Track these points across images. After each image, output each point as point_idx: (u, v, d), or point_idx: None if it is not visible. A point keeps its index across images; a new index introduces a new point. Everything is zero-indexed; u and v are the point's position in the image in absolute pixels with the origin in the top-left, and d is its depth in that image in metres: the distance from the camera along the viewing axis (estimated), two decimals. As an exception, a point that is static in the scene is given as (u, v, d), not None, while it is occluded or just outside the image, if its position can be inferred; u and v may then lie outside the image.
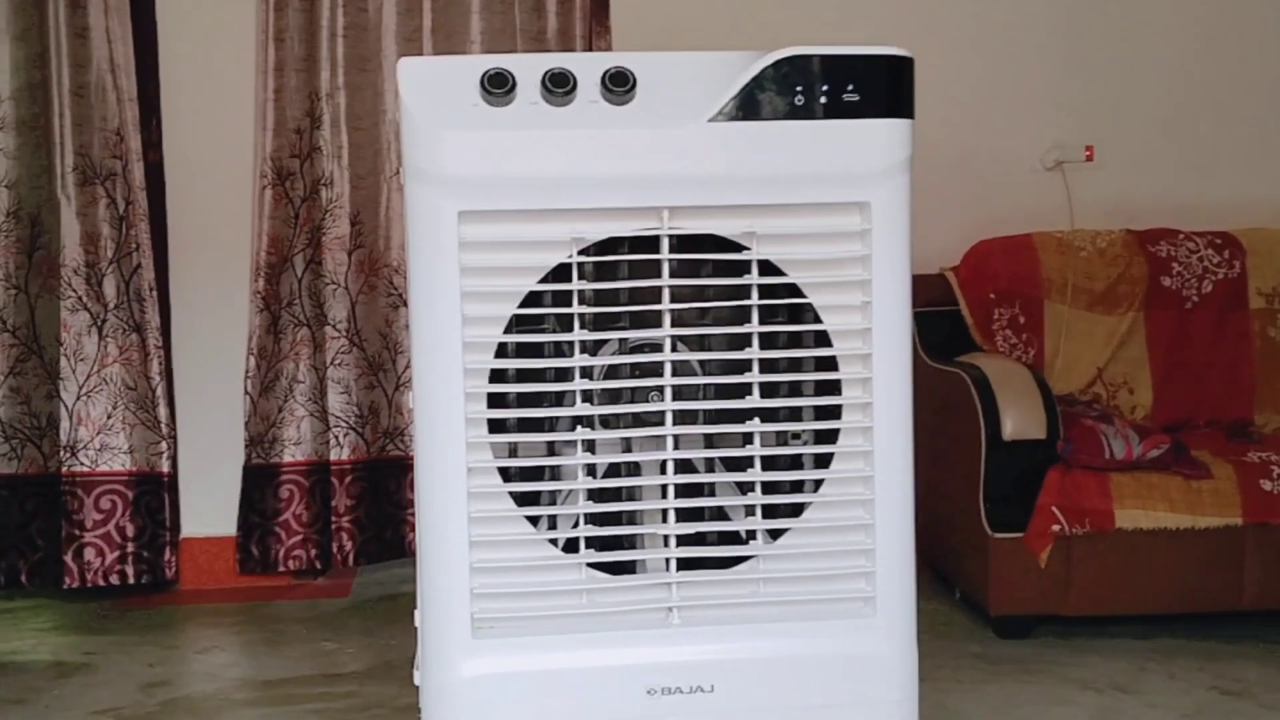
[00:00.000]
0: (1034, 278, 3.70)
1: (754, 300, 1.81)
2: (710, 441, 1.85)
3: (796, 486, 1.85)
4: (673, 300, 1.79)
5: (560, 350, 1.81)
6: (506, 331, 1.78)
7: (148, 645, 3.51)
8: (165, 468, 3.83)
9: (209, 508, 3.91)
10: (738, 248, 1.81)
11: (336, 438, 3.82)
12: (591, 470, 1.82)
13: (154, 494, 3.86)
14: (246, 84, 3.77)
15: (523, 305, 1.78)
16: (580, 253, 1.78)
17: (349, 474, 3.85)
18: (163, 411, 3.82)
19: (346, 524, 3.86)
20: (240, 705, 3.03)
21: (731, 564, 1.83)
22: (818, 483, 1.84)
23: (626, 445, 1.83)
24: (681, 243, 1.80)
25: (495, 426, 1.79)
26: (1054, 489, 3.23)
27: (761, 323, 1.82)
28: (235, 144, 3.80)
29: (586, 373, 1.80)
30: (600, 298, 1.81)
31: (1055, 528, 3.19)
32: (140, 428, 3.81)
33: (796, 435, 1.84)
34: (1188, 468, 3.28)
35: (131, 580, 3.84)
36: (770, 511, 1.84)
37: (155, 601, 3.94)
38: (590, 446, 1.81)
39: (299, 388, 3.82)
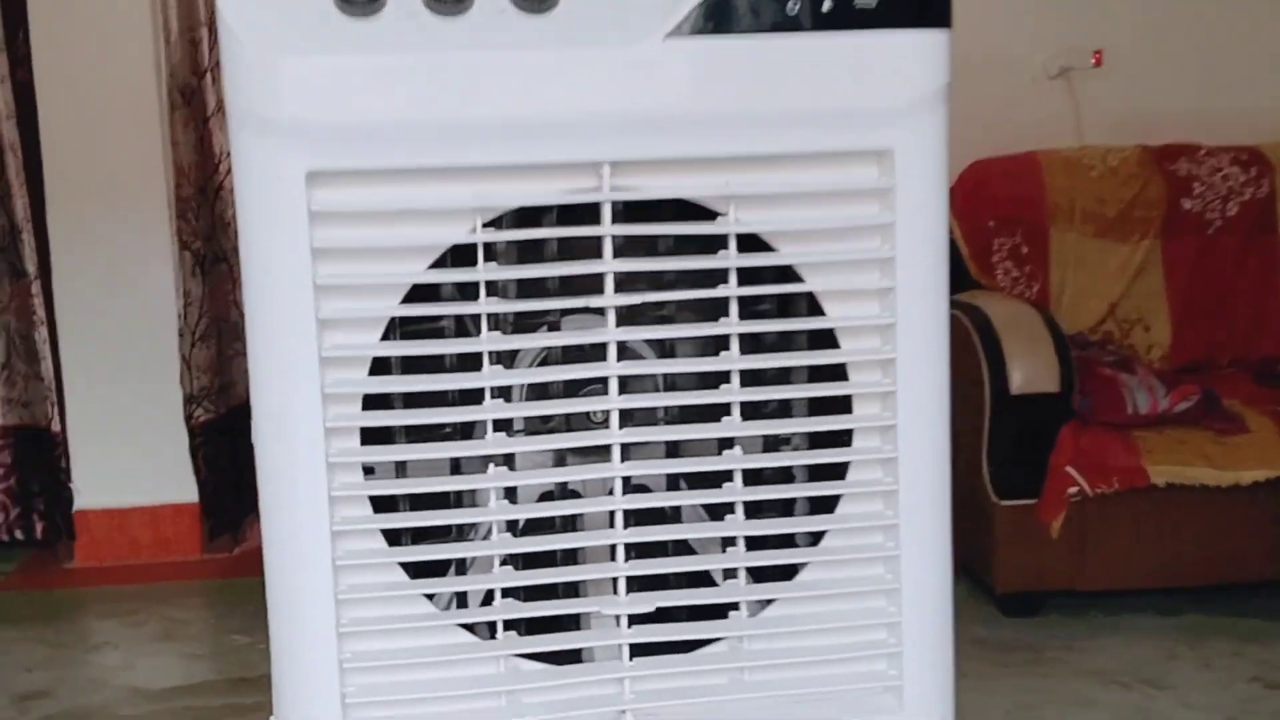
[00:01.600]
0: (1038, 202, 3.22)
1: (731, 288, 1.26)
2: (674, 483, 1.32)
3: (788, 540, 1.33)
4: (620, 289, 1.24)
5: (465, 363, 1.26)
6: (385, 339, 1.23)
7: (28, 641, 2.98)
8: (54, 425, 3.28)
9: (106, 475, 3.36)
10: (709, 215, 1.25)
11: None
12: (512, 526, 1.28)
13: (39, 454, 3.31)
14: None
15: (407, 301, 1.23)
16: (487, 227, 1.23)
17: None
18: (46, 365, 3.25)
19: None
20: (124, 726, 2.51)
21: (704, 643, 1.31)
22: (816, 535, 1.31)
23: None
24: (630, 211, 1.24)
25: (372, 471, 1.25)
26: (1069, 448, 2.77)
27: (743, 317, 1.27)
28: (122, 59, 3.19)
29: (501, 394, 1.25)
30: (518, 289, 1.26)
31: (1072, 490, 2.74)
32: (33, 380, 3.26)
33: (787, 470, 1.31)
34: (1220, 422, 2.83)
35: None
36: (759, 574, 1.31)
37: (45, 582, 3.40)
38: (511, 494, 1.28)
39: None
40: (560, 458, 1.30)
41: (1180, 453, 2.76)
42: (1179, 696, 2.53)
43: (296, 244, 1.18)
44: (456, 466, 1.30)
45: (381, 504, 1.25)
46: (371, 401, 1.24)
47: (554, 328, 1.29)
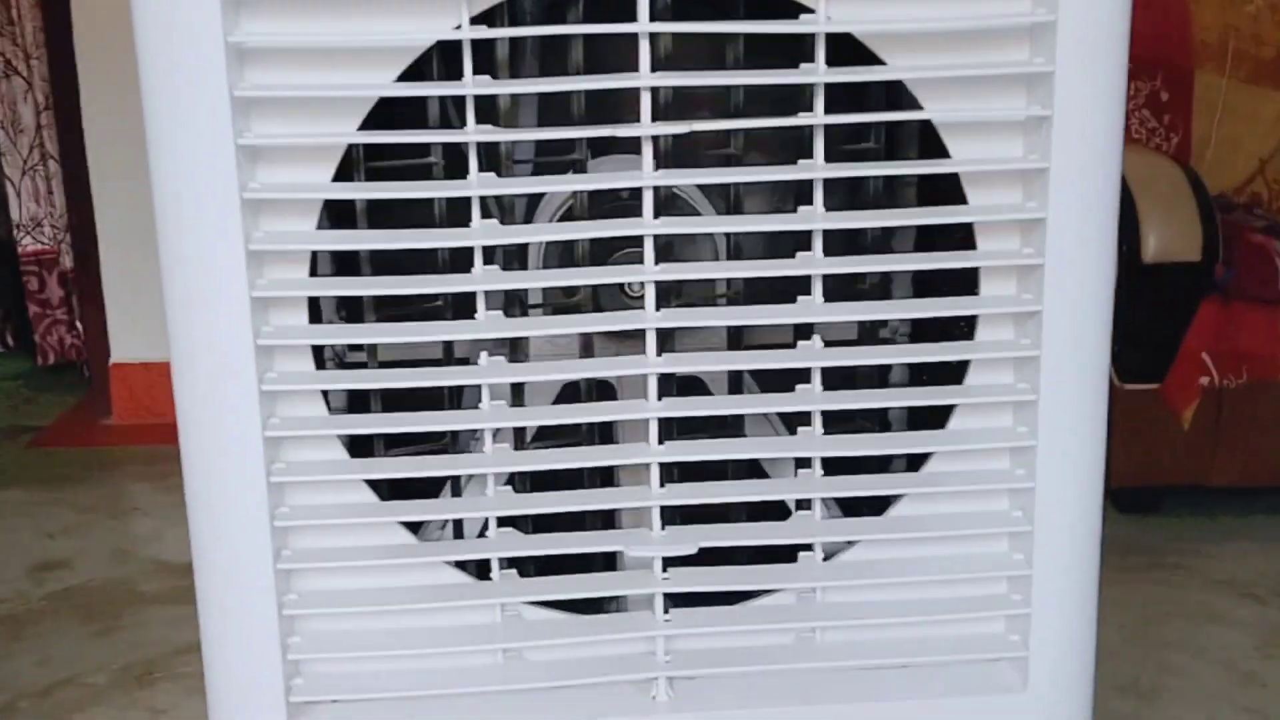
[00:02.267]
0: (1182, 40, 2.75)
1: (817, 116, 0.89)
2: (736, 386, 0.97)
3: (881, 464, 0.98)
4: (665, 115, 0.88)
5: (454, 217, 0.91)
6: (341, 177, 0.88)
7: (55, 505, 2.75)
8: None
9: (144, 327, 3.09)
10: (793, 9, 0.88)
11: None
12: (519, 438, 0.95)
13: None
14: None
15: (366, 127, 0.88)
16: (478, 22, 0.86)
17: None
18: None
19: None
20: (148, 602, 2.27)
21: (763, 592, 0.97)
22: (916, 459, 0.96)
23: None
24: (679, 3, 0.87)
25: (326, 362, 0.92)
26: (1207, 329, 2.36)
27: (832, 157, 0.90)
28: None
29: (508, 260, 0.91)
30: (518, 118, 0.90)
31: (1204, 379, 2.32)
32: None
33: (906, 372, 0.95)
34: (1389, 301, 2.38)
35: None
36: (844, 506, 0.97)
37: (81, 439, 3.17)
38: (520, 392, 0.94)
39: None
40: (590, 344, 0.96)
41: (1337, 337, 2.36)
42: (1325, 616, 2.17)
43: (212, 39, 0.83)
44: (450, 353, 0.96)
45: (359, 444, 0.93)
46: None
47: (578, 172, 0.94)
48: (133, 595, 2.31)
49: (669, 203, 0.93)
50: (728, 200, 0.95)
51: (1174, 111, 2.76)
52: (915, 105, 0.90)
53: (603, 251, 0.95)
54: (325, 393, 0.92)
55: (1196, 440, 2.43)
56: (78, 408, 3.32)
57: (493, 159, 0.91)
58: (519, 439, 0.97)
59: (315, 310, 0.99)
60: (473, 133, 0.87)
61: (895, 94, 0.92)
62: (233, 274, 0.86)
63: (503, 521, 0.95)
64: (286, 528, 0.92)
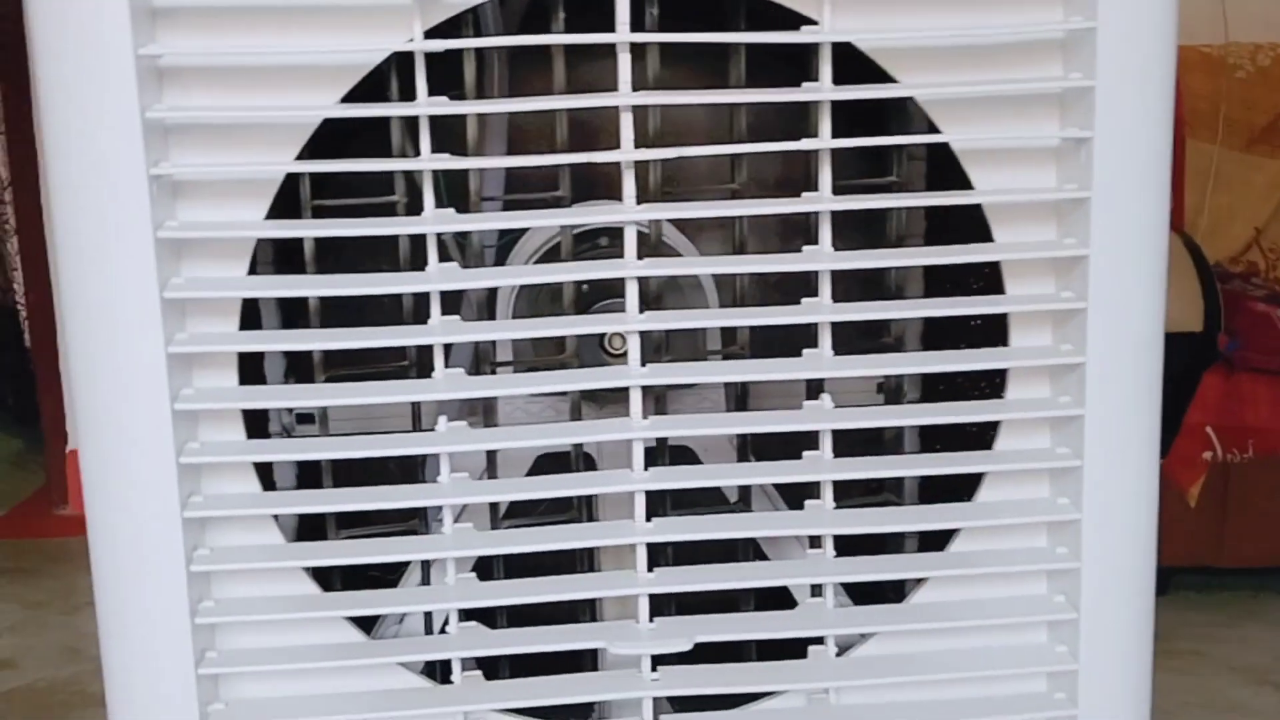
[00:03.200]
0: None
1: (823, 140, 0.76)
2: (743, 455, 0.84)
3: (898, 542, 0.85)
4: (644, 139, 0.76)
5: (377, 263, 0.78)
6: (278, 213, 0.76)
7: (4, 600, 2.59)
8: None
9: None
10: (793, 20, 0.76)
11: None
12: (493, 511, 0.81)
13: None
14: None
15: (304, 160, 0.75)
16: (430, 34, 0.74)
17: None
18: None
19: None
20: (97, 703, 2.11)
21: (770, 692, 0.83)
22: (936, 537, 0.83)
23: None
24: (665, 13, 0.75)
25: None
26: (1211, 401, 2.25)
27: (840, 189, 0.78)
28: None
29: (472, 310, 0.78)
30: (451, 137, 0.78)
31: (1208, 454, 2.20)
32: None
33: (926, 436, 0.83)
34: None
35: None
36: (859, 591, 0.83)
37: (34, 530, 3.01)
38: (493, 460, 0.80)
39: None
40: (578, 408, 0.83)
41: (1345, 408, 2.25)
42: (1349, 703, 2.03)
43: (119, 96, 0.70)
44: (418, 419, 0.83)
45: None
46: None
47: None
48: (82, 697, 2.15)
49: (658, 253, 0.81)
50: (730, 249, 0.82)
51: (1166, 180, 2.68)
52: (930, 127, 0.78)
53: (583, 304, 0.83)
54: (265, 468, 0.79)
55: (1204, 518, 2.30)
56: (34, 496, 3.16)
57: (457, 196, 0.79)
58: (494, 516, 0.83)
59: (259, 372, 0.86)
60: (427, 160, 0.75)
61: (911, 119, 0.80)
62: (145, 326, 0.73)
63: (467, 614, 0.81)
64: (211, 625, 0.78)
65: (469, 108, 0.74)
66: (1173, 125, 0.77)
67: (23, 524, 3.01)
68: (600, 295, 0.84)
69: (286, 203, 0.79)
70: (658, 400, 0.83)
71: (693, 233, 0.87)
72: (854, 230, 0.84)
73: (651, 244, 0.83)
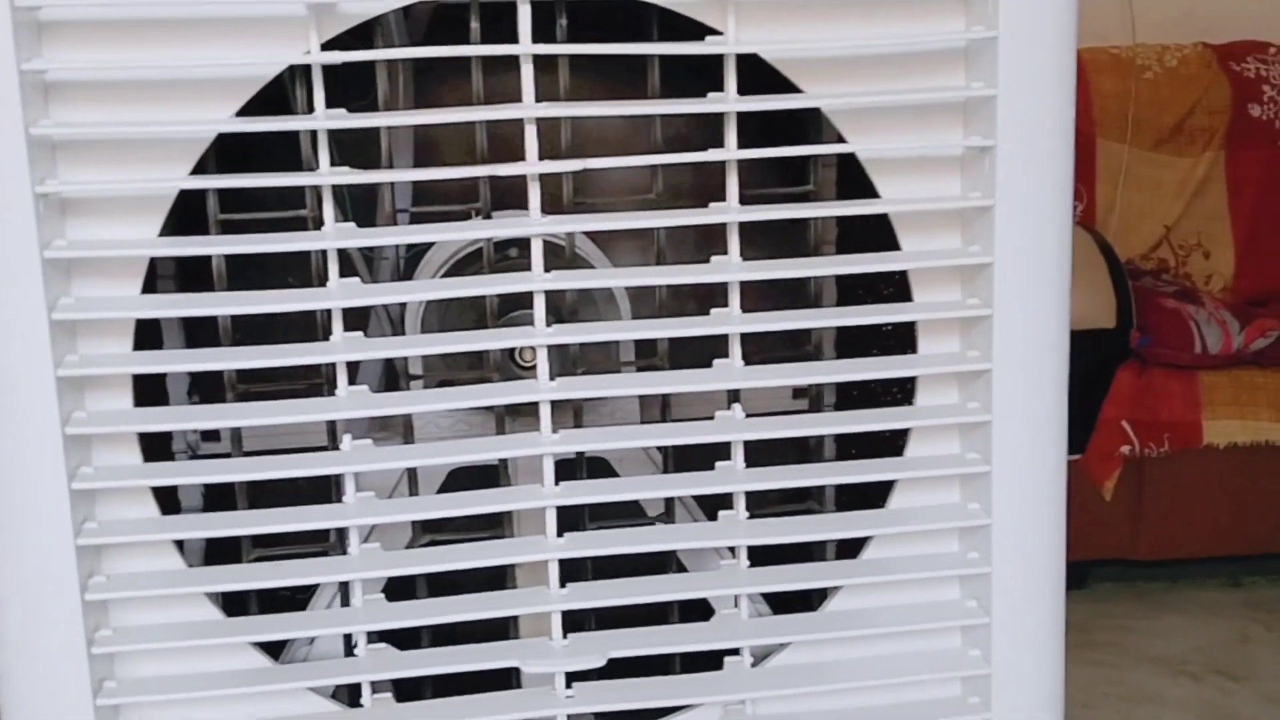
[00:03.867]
0: (1083, 108, 2.69)
1: (729, 150, 0.76)
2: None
3: (811, 549, 0.84)
4: (556, 150, 0.75)
5: (284, 277, 0.77)
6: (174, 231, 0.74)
7: None
8: None
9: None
10: (694, 31, 0.75)
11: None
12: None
13: None
14: None
15: (197, 172, 0.73)
16: (327, 46, 0.72)
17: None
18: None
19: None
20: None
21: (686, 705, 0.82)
22: (849, 544, 0.83)
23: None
24: (570, 21, 0.74)
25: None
26: (1125, 396, 2.29)
27: (746, 199, 0.77)
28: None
29: (381, 326, 0.76)
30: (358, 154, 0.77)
31: (1125, 449, 2.24)
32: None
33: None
34: (1300, 363, 2.33)
35: None
36: (774, 600, 0.83)
37: None
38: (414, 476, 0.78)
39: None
40: (501, 422, 0.82)
41: (1250, 402, 2.30)
42: (1260, 689, 2.07)
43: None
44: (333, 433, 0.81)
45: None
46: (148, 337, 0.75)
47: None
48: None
49: (573, 264, 0.80)
50: (647, 259, 0.82)
51: (1078, 179, 2.69)
52: (835, 135, 0.78)
53: (496, 315, 0.82)
54: (167, 491, 0.77)
55: (1120, 512, 2.34)
56: None
57: (365, 208, 0.77)
58: (415, 529, 0.82)
59: (162, 389, 0.84)
60: (326, 174, 0.73)
61: (806, 128, 0.80)
62: (33, 348, 0.70)
63: (380, 634, 0.79)
64: (109, 654, 0.75)
65: (365, 121, 0.72)
66: (1074, 132, 0.78)
67: None
68: (513, 306, 0.83)
69: (190, 216, 0.77)
70: (576, 412, 0.82)
71: (609, 243, 0.87)
72: (776, 236, 0.83)
73: (566, 256, 0.82)
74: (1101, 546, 2.37)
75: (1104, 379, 2.31)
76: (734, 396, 0.80)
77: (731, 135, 0.76)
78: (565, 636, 0.79)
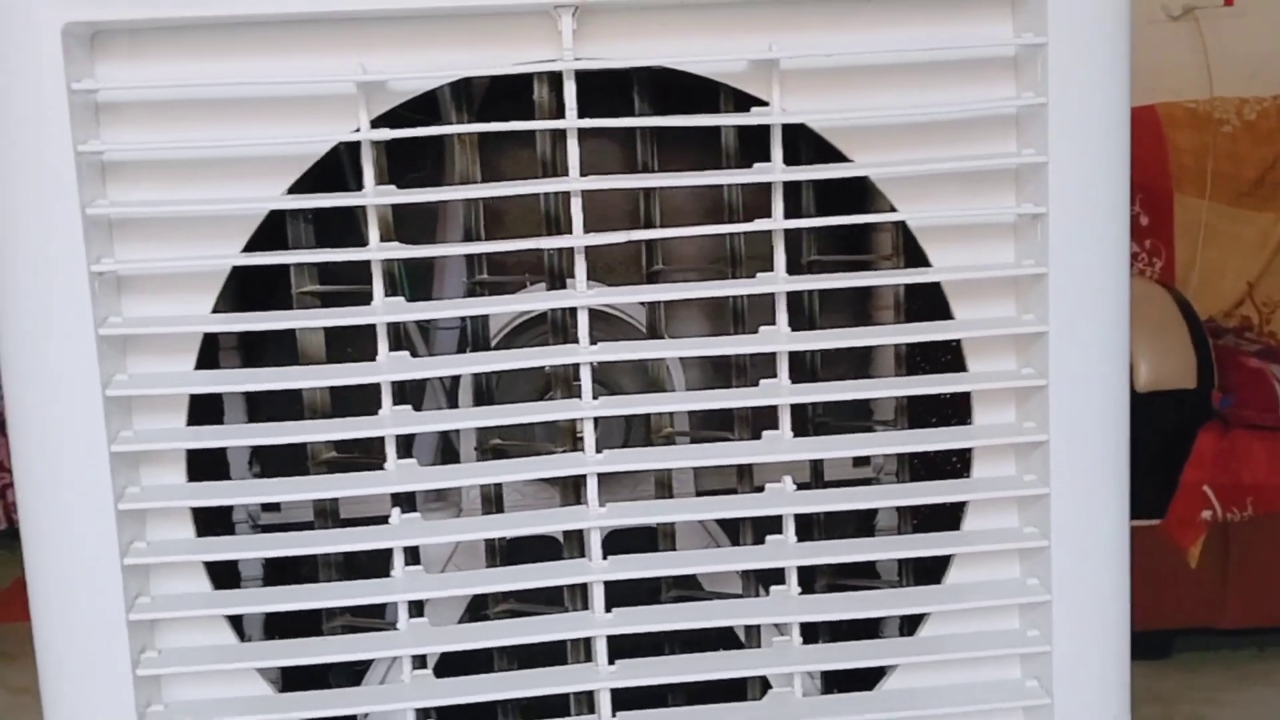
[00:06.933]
0: (1160, 164, 2.69)
1: (775, 220, 0.76)
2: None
3: (868, 625, 0.83)
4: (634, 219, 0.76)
5: (344, 349, 0.78)
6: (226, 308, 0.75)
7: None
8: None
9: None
10: (743, 102, 0.76)
11: None
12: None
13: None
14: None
15: (249, 249, 0.75)
16: (377, 122, 0.74)
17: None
18: None
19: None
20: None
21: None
22: (914, 616, 0.81)
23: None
24: (607, 93, 0.75)
25: (208, 526, 0.77)
26: (1206, 459, 2.23)
27: (796, 268, 0.78)
28: None
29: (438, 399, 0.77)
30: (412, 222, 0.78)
31: (1206, 514, 2.18)
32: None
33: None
34: (1392, 425, 2.26)
35: None
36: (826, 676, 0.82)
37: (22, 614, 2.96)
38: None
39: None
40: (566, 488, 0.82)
41: (1343, 463, 2.23)
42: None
43: (54, 164, 0.70)
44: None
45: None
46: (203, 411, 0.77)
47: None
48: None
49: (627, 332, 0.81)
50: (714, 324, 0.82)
51: (1155, 236, 2.68)
52: (886, 205, 0.78)
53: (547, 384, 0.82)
54: (223, 565, 0.78)
55: (1205, 579, 2.27)
56: (15, 583, 3.14)
57: (419, 280, 0.78)
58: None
59: (223, 461, 0.85)
60: (375, 250, 0.74)
61: (858, 194, 0.80)
62: (88, 424, 0.72)
63: (426, 713, 0.79)
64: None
65: (413, 196, 0.73)
66: (1128, 198, 0.77)
67: (4, 609, 2.98)
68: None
69: (254, 286, 0.79)
70: (629, 477, 0.83)
71: (672, 310, 0.87)
72: (841, 301, 0.83)
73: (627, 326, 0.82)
74: (1186, 615, 2.31)
75: (1185, 441, 2.26)
76: (785, 466, 0.80)
77: (778, 204, 0.76)
78: (614, 716, 0.78)
